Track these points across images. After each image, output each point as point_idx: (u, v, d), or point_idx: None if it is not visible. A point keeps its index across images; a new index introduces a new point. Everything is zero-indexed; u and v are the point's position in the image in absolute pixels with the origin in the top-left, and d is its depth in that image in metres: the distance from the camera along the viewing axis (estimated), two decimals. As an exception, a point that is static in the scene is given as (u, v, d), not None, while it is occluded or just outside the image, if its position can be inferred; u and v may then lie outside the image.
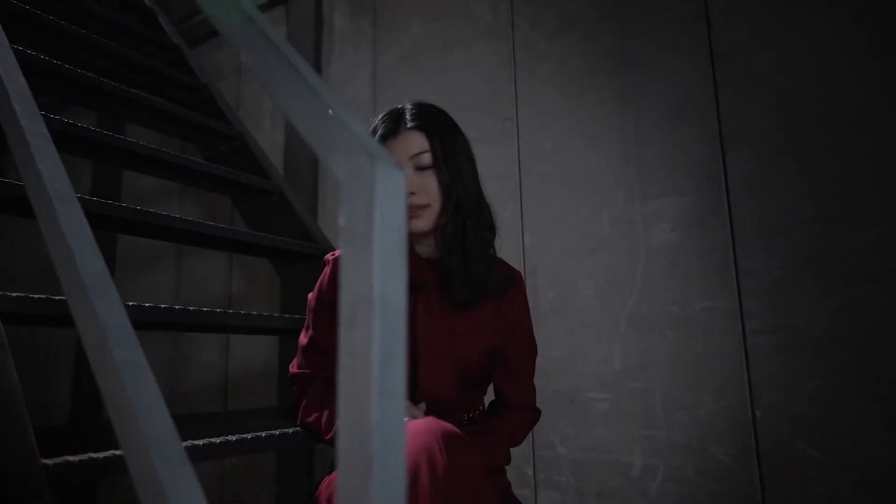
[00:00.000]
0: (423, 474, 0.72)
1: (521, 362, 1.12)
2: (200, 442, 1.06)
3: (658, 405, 1.60)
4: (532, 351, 1.15)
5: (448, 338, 1.02)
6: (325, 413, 1.03)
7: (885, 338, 1.34)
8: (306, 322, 1.11)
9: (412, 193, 1.01)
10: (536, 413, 1.16)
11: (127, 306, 1.12)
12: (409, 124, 1.03)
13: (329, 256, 1.12)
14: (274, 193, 1.94)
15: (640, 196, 1.70)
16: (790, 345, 1.44)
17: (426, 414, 0.99)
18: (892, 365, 1.33)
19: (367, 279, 0.37)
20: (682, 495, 1.53)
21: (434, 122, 1.05)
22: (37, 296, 0.98)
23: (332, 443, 0.98)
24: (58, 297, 1.06)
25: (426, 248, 1.09)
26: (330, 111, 0.41)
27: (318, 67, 2.48)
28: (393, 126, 1.04)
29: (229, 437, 1.11)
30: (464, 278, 1.03)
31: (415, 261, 1.07)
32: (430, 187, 1.02)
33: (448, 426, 0.79)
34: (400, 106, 1.08)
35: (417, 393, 1.00)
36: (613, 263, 1.72)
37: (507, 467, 1.79)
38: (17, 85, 0.77)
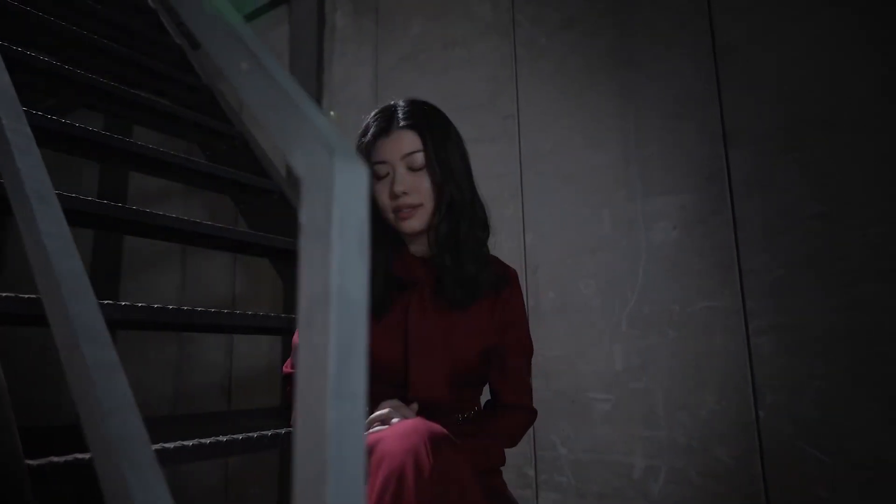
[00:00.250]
0: (409, 475, 0.71)
1: (517, 361, 1.11)
2: (208, 440, 1.07)
3: (659, 405, 1.58)
4: (528, 350, 1.14)
5: (442, 337, 1.01)
6: (318, 413, 1.02)
7: (889, 337, 1.31)
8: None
9: (405, 193, 1.00)
10: (533, 413, 1.15)
11: (131, 307, 1.12)
12: (402, 123, 1.02)
13: (321, 256, 1.11)
14: (274, 193, 1.94)
15: (642, 194, 1.68)
16: (793, 344, 1.42)
17: (419, 414, 0.98)
18: (897, 365, 1.30)
19: (325, 276, 0.36)
20: (684, 497, 1.51)
21: (427, 120, 1.03)
22: (26, 296, 0.98)
23: None
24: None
25: (420, 248, 1.08)
26: (290, 102, 0.40)
27: (319, 67, 2.48)
28: (385, 125, 1.03)
29: (236, 436, 1.12)
30: (457, 278, 1.02)
31: (408, 259, 1.06)
32: (423, 187, 1.01)
33: (435, 427, 0.77)
34: (392, 103, 1.07)
35: (409, 393, 0.99)
36: (614, 262, 1.70)
37: (508, 468, 1.79)
38: (2, 83, 0.76)
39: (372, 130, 1.03)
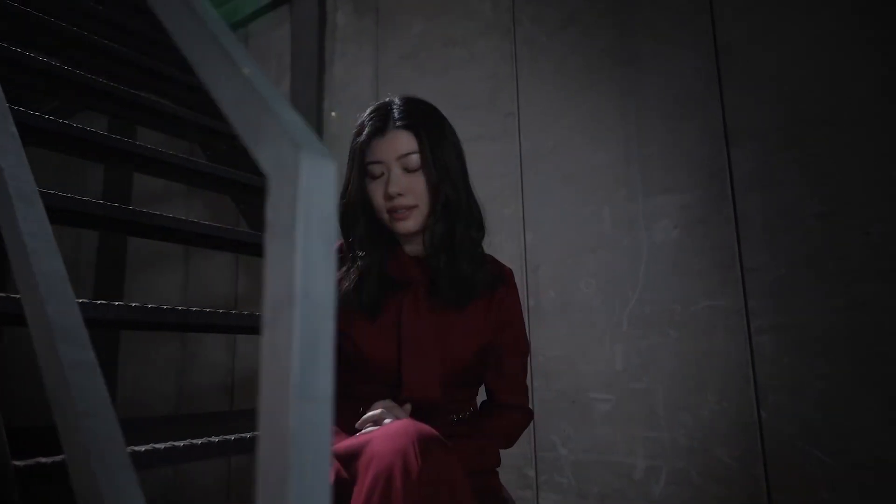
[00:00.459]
0: (397, 477, 0.70)
1: (513, 361, 1.10)
2: (216, 439, 1.07)
3: (660, 406, 1.56)
4: (524, 350, 1.13)
5: (435, 337, 1.00)
6: (311, 414, 1.01)
7: (892, 337, 1.29)
8: None
9: (400, 195, 0.99)
10: (529, 413, 1.14)
11: (134, 307, 1.12)
12: (398, 123, 1.00)
13: (314, 255, 1.10)
14: (274, 193, 1.93)
15: (643, 193, 1.67)
16: (795, 344, 1.40)
17: (412, 415, 0.97)
18: (901, 365, 1.28)
19: (289, 276, 0.35)
20: (686, 498, 1.49)
21: (423, 120, 1.01)
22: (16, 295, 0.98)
23: None
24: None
25: (415, 247, 1.07)
26: (257, 95, 0.39)
27: (320, 67, 2.48)
28: (380, 124, 1.00)
29: (244, 435, 1.11)
30: (452, 279, 1.01)
31: (403, 259, 1.05)
32: (418, 188, 1.00)
33: (425, 428, 0.76)
34: (388, 100, 1.05)
35: (403, 393, 0.97)
36: (615, 262, 1.69)
37: (508, 468, 1.77)
38: (-12, 83, 0.76)
39: (367, 130, 1.01)
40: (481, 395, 1.16)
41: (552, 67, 1.89)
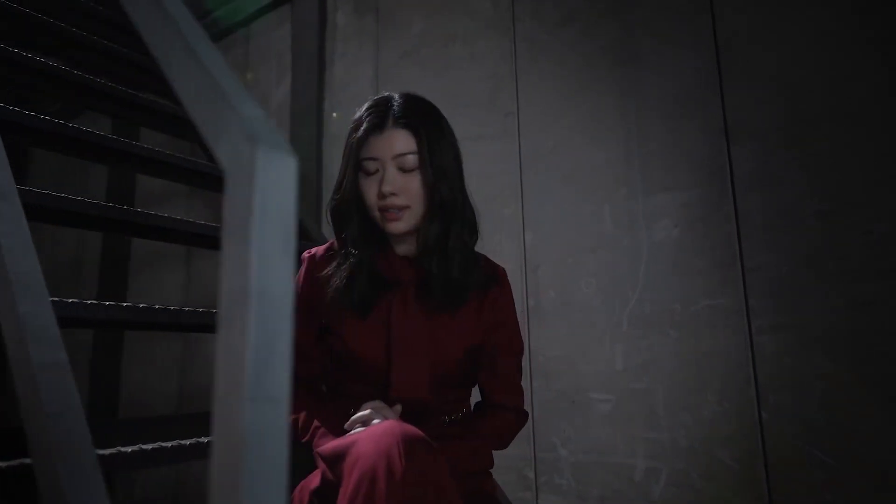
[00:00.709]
0: (381, 479, 0.69)
1: (506, 361, 1.08)
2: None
3: (661, 406, 1.54)
4: (518, 350, 1.11)
5: (425, 337, 0.98)
6: (303, 415, 1.00)
7: (895, 337, 1.27)
8: None
9: (393, 194, 0.97)
10: (523, 414, 1.12)
11: (126, 307, 1.12)
12: (397, 121, 0.98)
13: (305, 254, 1.09)
14: (273, 192, 1.93)
15: (643, 192, 1.65)
16: (797, 344, 1.38)
17: (402, 415, 0.96)
18: (904, 365, 1.26)
19: (244, 273, 0.34)
20: (686, 500, 1.47)
21: (423, 120, 1.00)
22: None
23: (308, 445, 0.96)
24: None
25: (406, 247, 1.06)
26: (216, 88, 0.38)
27: (321, 66, 2.47)
28: (378, 121, 0.99)
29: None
30: (444, 283, 1.00)
31: (393, 259, 1.04)
32: (413, 189, 0.98)
33: (410, 429, 0.75)
34: (387, 96, 1.03)
35: (392, 393, 0.97)
36: (615, 261, 1.67)
37: (508, 469, 1.76)
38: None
39: (364, 126, 0.99)
40: (476, 397, 1.15)
41: (552, 66, 1.88)
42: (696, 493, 1.47)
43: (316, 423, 0.97)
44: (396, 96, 1.02)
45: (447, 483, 0.74)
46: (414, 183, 0.98)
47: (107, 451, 0.82)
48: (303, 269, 1.08)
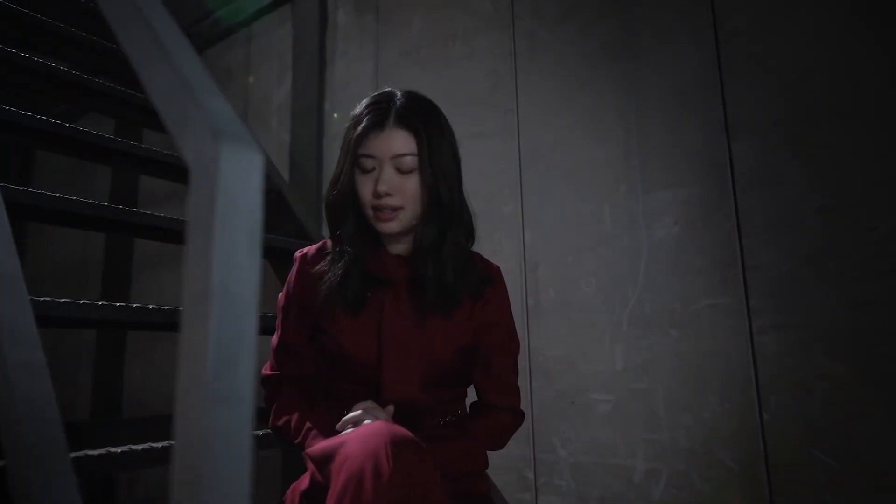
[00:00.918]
0: (367, 480, 0.69)
1: (500, 361, 1.07)
2: None
3: (661, 407, 1.53)
4: (513, 350, 1.10)
5: (417, 337, 0.98)
6: (295, 416, 1.00)
7: (898, 336, 1.25)
8: (277, 322, 1.08)
9: (388, 195, 0.96)
10: (520, 414, 1.11)
11: (119, 307, 1.11)
12: (398, 121, 0.96)
13: (297, 253, 1.08)
14: (272, 192, 1.92)
15: (643, 190, 1.64)
16: (799, 344, 1.36)
17: (395, 416, 0.95)
18: (907, 365, 1.24)
19: (206, 272, 0.33)
20: (686, 501, 1.46)
21: (424, 121, 0.98)
22: (40, 298, 0.99)
23: (301, 447, 0.95)
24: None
25: (400, 246, 1.05)
26: (182, 82, 0.37)
27: (321, 66, 2.47)
28: (379, 119, 0.97)
29: (256, 432, 1.11)
30: (438, 286, 0.99)
31: (385, 258, 1.03)
32: (408, 190, 0.97)
33: (399, 430, 0.74)
34: (389, 92, 1.01)
35: (383, 393, 0.96)
36: (615, 260, 1.65)
37: (508, 470, 1.75)
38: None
39: (364, 123, 0.97)
40: (472, 397, 1.14)
41: (551, 62, 1.86)
42: (696, 494, 1.45)
43: (308, 424, 0.96)
44: (399, 94, 1.00)
45: (435, 484, 0.73)
46: (410, 184, 0.97)
47: (96, 452, 0.81)
48: (294, 268, 1.07)
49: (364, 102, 1.01)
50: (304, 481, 0.88)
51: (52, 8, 1.98)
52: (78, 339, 3.39)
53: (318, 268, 1.02)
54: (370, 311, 0.99)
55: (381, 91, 1.02)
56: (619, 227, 1.66)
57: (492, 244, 1.87)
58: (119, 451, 0.85)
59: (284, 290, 1.08)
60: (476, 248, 1.11)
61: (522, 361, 1.75)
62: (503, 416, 1.08)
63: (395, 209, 0.97)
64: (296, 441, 0.98)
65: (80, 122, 3.43)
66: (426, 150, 0.96)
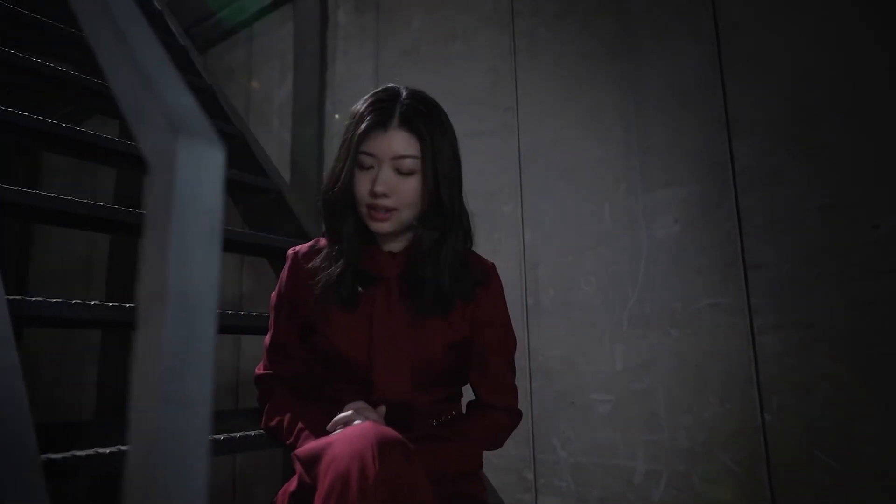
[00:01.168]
0: (353, 482, 0.68)
1: (496, 361, 1.06)
2: (221, 437, 1.09)
3: (661, 407, 1.51)
4: (509, 348, 1.09)
5: (408, 336, 0.97)
6: (287, 417, 0.99)
7: (902, 336, 1.23)
8: (269, 322, 1.08)
9: (384, 195, 0.95)
10: (517, 413, 1.10)
11: (111, 307, 1.11)
12: (401, 123, 0.95)
13: (290, 251, 1.08)
14: (271, 192, 1.92)
15: (643, 188, 1.62)
16: (801, 343, 1.34)
17: (387, 416, 0.94)
18: (910, 365, 1.22)
19: (161, 271, 0.32)
20: (687, 503, 1.44)
21: (428, 124, 0.96)
22: (53, 300, 0.99)
23: (293, 448, 0.94)
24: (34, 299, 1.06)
25: (395, 244, 1.04)
26: (142, 74, 0.36)
27: (322, 65, 2.46)
28: (382, 118, 0.95)
29: (248, 433, 1.13)
30: (433, 290, 0.98)
31: (378, 255, 1.02)
32: (405, 192, 0.96)
33: (386, 431, 0.74)
34: (394, 91, 0.99)
35: (375, 394, 0.95)
36: (615, 259, 1.64)
37: (507, 471, 1.74)
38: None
39: (367, 122, 0.95)
40: (469, 396, 1.13)
41: (551, 61, 1.85)
42: (697, 496, 1.43)
43: (300, 425, 0.95)
44: (404, 94, 0.98)
45: (422, 486, 0.72)
46: (407, 186, 0.96)
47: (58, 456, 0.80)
48: (287, 265, 1.06)
49: (367, 99, 0.99)
50: (293, 482, 0.88)
51: (52, 8, 1.98)
52: (83, 338, 3.41)
53: (311, 264, 1.01)
54: (363, 308, 0.98)
55: (385, 87, 1.00)
56: (619, 226, 1.65)
57: (491, 243, 1.86)
58: (84, 454, 0.84)
59: (277, 288, 1.07)
60: (475, 247, 1.10)
61: (522, 361, 1.74)
62: (500, 416, 1.06)
63: (390, 210, 0.96)
64: (288, 442, 0.97)
65: (85, 125, 3.44)
66: (429, 153, 0.95)
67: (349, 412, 0.89)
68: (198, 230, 0.33)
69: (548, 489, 1.66)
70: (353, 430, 0.75)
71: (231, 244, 1.71)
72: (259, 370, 1.09)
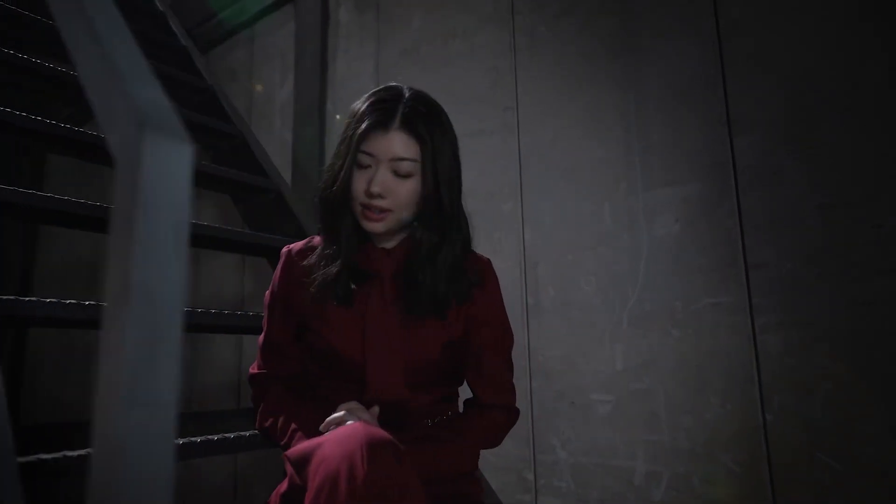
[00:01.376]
0: (342, 483, 0.67)
1: (493, 360, 1.05)
2: (215, 437, 1.10)
3: (661, 408, 1.50)
4: (506, 346, 1.08)
5: (402, 335, 0.96)
6: (281, 418, 0.98)
7: (905, 336, 1.21)
8: (263, 320, 1.07)
9: (380, 196, 0.94)
10: (514, 412, 1.09)
11: (97, 306, 1.11)
12: (403, 125, 0.94)
13: (284, 249, 1.07)
14: (271, 192, 1.92)
15: (643, 187, 1.61)
16: (802, 343, 1.33)
17: (380, 416, 0.94)
18: (913, 365, 1.20)
19: (126, 270, 0.32)
20: (687, 504, 1.43)
21: (429, 127, 0.95)
22: (61, 300, 0.99)
23: (287, 448, 0.94)
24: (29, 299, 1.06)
25: (389, 242, 1.03)
26: (110, 68, 0.36)
27: (323, 65, 2.46)
28: (383, 118, 0.94)
29: (242, 433, 1.14)
30: (430, 294, 0.97)
31: (372, 253, 1.02)
32: (401, 194, 0.95)
33: (376, 432, 0.73)
34: (397, 91, 0.98)
35: (369, 394, 0.94)
36: (615, 258, 1.63)
37: (507, 471, 1.73)
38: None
39: (367, 122, 0.94)
40: (466, 396, 1.12)
41: (551, 60, 1.84)
42: (697, 497, 1.42)
43: (294, 426, 0.95)
44: (407, 95, 0.97)
45: (413, 487, 0.71)
46: (403, 189, 0.95)
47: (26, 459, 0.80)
48: (280, 264, 1.06)
49: (369, 98, 0.98)
50: (284, 484, 0.87)
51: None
52: (87, 339, 3.42)
53: (306, 262, 1.01)
54: (357, 306, 0.98)
55: (387, 86, 1.00)
56: (620, 225, 1.64)
57: (491, 243, 1.85)
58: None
59: (270, 287, 1.07)
60: (475, 247, 1.09)
61: (522, 361, 1.74)
62: (497, 415, 1.06)
63: (384, 211, 0.95)
64: (282, 443, 0.97)
65: (88, 126, 3.46)
66: (429, 156, 0.95)
67: (342, 412, 0.88)
68: (164, 227, 0.33)
69: (548, 489, 1.65)
70: (343, 431, 0.74)
71: (231, 244, 1.71)
72: (253, 369, 1.08)
